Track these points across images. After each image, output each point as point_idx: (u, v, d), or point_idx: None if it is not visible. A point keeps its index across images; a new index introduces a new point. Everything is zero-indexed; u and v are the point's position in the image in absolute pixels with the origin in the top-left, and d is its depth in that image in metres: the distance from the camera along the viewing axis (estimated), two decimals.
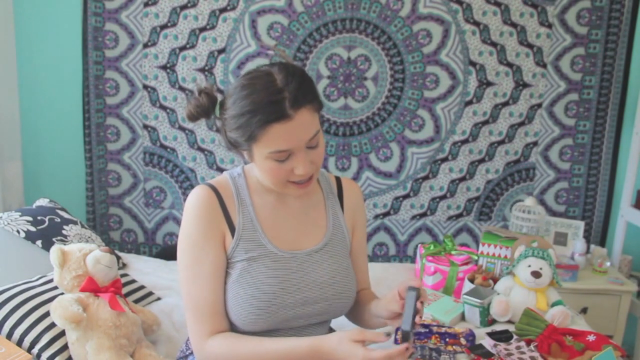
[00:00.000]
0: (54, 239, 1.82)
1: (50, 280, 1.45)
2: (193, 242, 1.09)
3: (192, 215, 1.10)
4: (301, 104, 0.99)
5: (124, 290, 1.56)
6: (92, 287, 1.34)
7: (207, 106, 1.08)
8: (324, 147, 1.07)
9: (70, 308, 1.24)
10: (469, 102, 2.47)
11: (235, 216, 1.12)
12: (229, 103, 1.04)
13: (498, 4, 2.39)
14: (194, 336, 1.09)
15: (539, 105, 2.49)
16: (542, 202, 2.56)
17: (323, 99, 2.45)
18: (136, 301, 1.65)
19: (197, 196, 1.11)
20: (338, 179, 1.29)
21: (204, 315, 1.08)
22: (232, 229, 1.11)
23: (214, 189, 1.13)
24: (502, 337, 1.53)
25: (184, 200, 2.10)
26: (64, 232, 1.89)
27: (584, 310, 2.22)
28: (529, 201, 2.36)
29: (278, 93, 0.98)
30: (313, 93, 1.03)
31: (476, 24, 2.40)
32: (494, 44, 2.42)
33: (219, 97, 1.10)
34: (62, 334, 1.30)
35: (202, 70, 2.42)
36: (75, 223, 1.99)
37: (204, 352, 1.08)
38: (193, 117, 1.09)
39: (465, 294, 1.72)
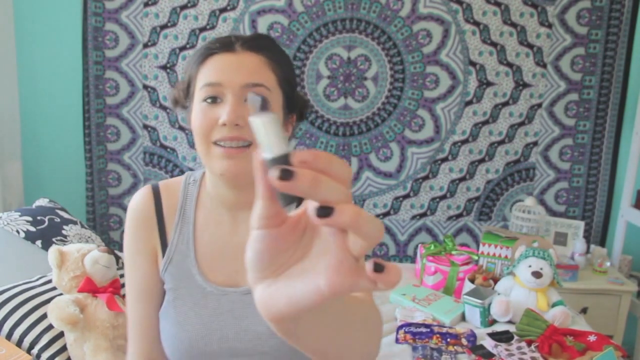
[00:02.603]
0: (53, 239, 1.82)
1: (50, 281, 1.45)
2: (127, 252, 0.95)
3: (127, 222, 0.96)
4: (252, 48, 0.87)
5: (123, 291, 1.56)
6: (90, 288, 1.34)
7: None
8: None
9: (66, 309, 1.24)
10: (469, 102, 2.47)
11: (171, 232, 0.95)
12: None
13: (498, 4, 2.39)
14: (128, 356, 0.96)
15: (539, 105, 2.49)
16: (542, 202, 2.56)
17: (323, 99, 2.45)
18: None
19: (134, 199, 0.96)
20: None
21: (135, 336, 0.95)
22: (164, 246, 0.94)
23: (156, 192, 0.96)
24: (502, 337, 1.53)
25: None
26: (63, 232, 1.89)
27: (584, 310, 2.22)
28: (529, 201, 2.36)
29: (233, 36, 0.89)
30: (274, 50, 0.90)
31: (476, 24, 2.40)
32: (494, 44, 2.42)
33: None
34: (62, 334, 1.30)
35: None
36: (75, 223, 1.98)
37: None
38: (176, 103, 0.96)
39: (466, 294, 1.72)
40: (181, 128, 2.48)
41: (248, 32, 2.38)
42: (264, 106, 0.38)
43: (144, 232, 0.94)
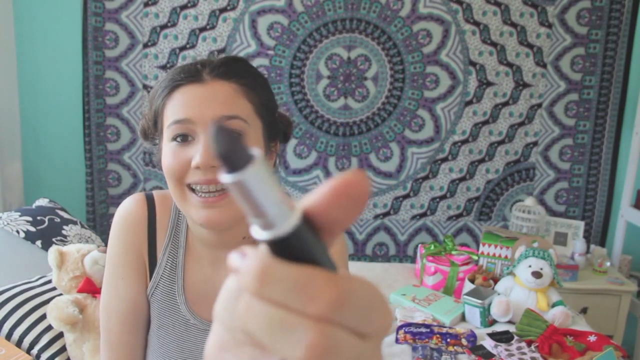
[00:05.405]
0: (53, 239, 1.82)
1: (50, 281, 1.45)
2: (114, 267, 0.87)
3: (117, 229, 0.87)
4: (222, 75, 0.78)
5: None
6: (90, 288, 1.34)
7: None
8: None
9: (65, 310, 1.24)
10: (469, 102, 2.47)
11: (161, 251, 0.87)
12: None
13: (498, 4, 2.38)
14: None
15: (539, 105, 2.49)
16: (542, 202, 2.56)
17: (322, 99, 2.45)
18: None
19: (124, 208, 0.87)
20: None
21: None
22: (152, 265, 0.87)
23: (150, 202, 0.88)
24: (502, 337, 1.53)
25: None
26: (63, 232, 1.89)
27: (584, 310, 2.22)
28: (529, 201, 2.36)
29: (200, 63, 0.80)
30: (247, 75, 0.80)
31: (476, 24, 2.40)
32: (494, 44, 2.42)
33: None
34: (62, 334, 1.30)
35: None
36: (75, 223, 1.98)
37: None
38: (145, 136, 0.87)
39: (466, 294, 1.72)
40: None
41: (248, 32, 2.38)
42: (231, 141, 0.22)
43: (135, 242, 0.86)
